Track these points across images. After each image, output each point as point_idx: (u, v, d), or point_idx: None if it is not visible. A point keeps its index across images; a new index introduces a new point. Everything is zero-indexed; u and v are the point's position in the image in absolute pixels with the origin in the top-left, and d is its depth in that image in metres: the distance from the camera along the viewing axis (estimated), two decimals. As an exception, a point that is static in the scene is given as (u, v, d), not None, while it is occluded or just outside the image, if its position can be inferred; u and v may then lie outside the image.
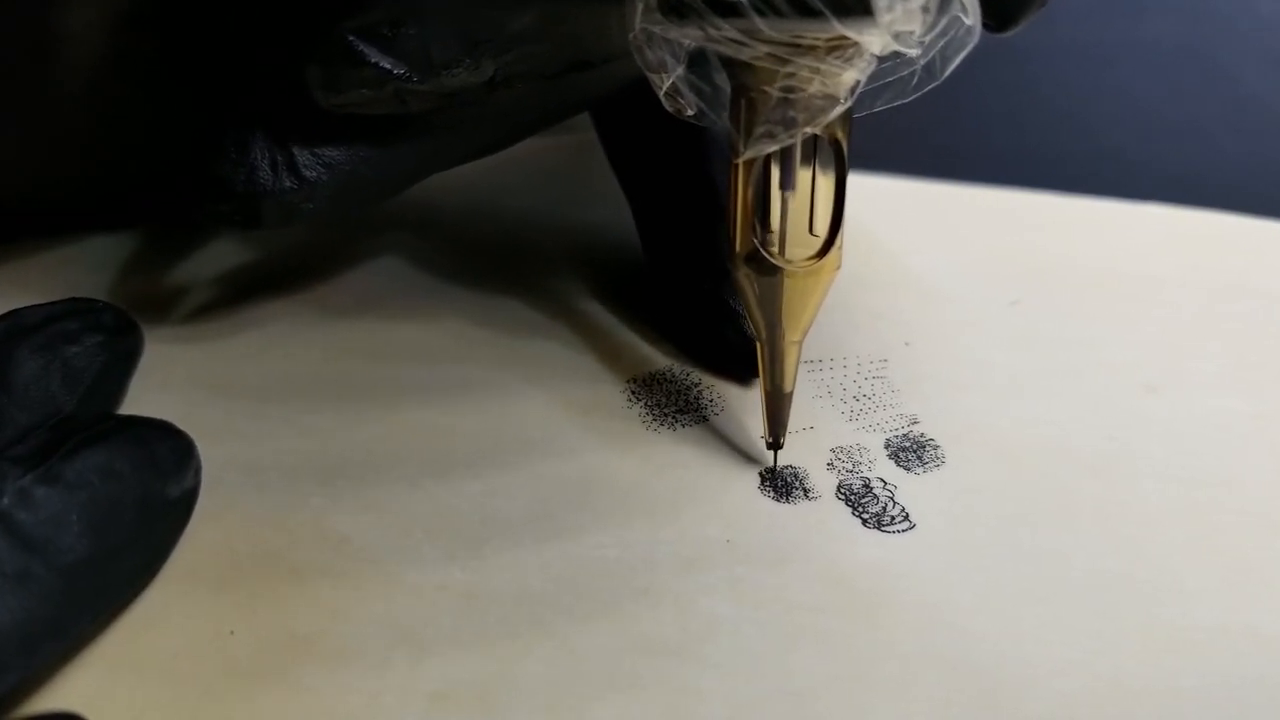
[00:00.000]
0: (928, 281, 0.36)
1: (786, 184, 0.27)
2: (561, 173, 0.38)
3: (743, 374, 0.32)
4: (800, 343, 0.28)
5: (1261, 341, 0.34)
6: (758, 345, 0.28)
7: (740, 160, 0.26)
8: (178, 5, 0.33)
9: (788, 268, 0.27)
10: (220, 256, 0.36)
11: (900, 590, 0.26)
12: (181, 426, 0.25)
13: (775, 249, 0.27)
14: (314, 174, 0.28)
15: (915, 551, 0.27)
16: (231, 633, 0.24)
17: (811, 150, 0.27)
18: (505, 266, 0.36)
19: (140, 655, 0.24)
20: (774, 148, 0.26)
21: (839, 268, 0.27)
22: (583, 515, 0.28)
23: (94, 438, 0.23)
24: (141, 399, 0.28)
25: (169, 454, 0.25)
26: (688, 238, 0.33)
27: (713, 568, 0.26)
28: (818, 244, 0.27)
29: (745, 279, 0.27)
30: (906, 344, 0.32)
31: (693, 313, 0.32)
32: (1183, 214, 0.41)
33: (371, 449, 0.29)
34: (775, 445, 0.29)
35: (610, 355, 0.33)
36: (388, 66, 0.26)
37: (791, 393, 0.29)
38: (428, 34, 0.26)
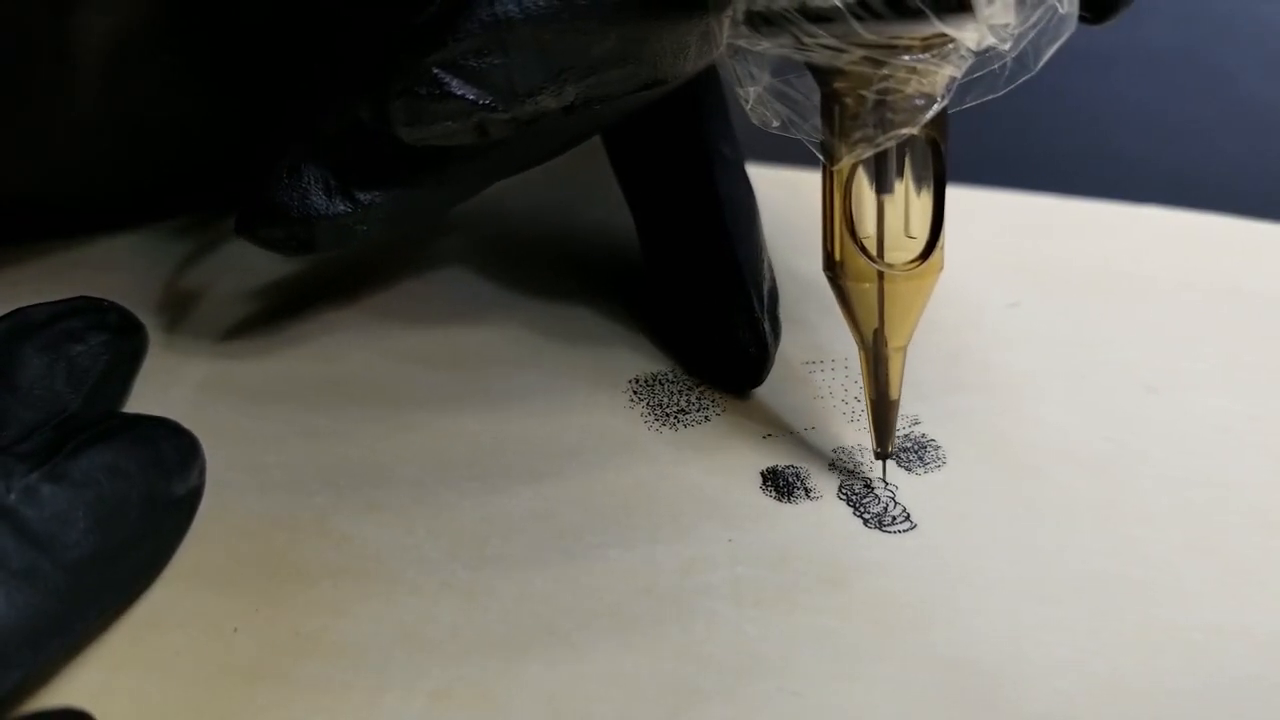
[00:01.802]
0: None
1: (884, 187, 0.26)
2: (563, 173, 0.38)
3: (743, 388, 0.32)
4: (904, 349, 0.28)
5: (1260, 343, 0.34)
6: (860, 353, 0.28)
7: (836, 167, 0.26)
8: (197, 15, 0.33)
9: (889, 272, 0.27)
10: (221, 258, 0.36)
11: (900, 590, 0.26)
12: (185, 425, 0.25)
13: (875, 254, 0.26)
14: (368, 197, 0.28)
15: (916, 551, 0.27)
16: (235, 630, 0.25)
17: (903, 151, 0.26)
18: (506, 267, 0.36)
19: (144, 652, 0.24)
20: (872, 151, 0.25)
21: (941, 270, 0.27)
22: (584, 514, 0.28)
23: (99, 436, 0.23)
24: (145, 398, 0.28)
25: (174, 452, 0.25)
26: (691, 252, 0.33)
27: (714, 567, 0.27)
28: (916, 246, 0.27)
29: (845, 286, 0.27)
30: (907, 344, 0.32)
31: (693, 326, 0.32)
32: (1182, 216, 0.41)
33: (373, 449, 0.30)
34: (883, 455, 0.29)
35: (612, 355, 0.33)
36: (473, 97, 0.25)
37: (898, 401, 0.28)
38: (512, 63, 0.25)
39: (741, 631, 0.25)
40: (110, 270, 0.36)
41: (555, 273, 0.36)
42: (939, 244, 0.27)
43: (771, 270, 0.33)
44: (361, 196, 0.28)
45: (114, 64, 0.33)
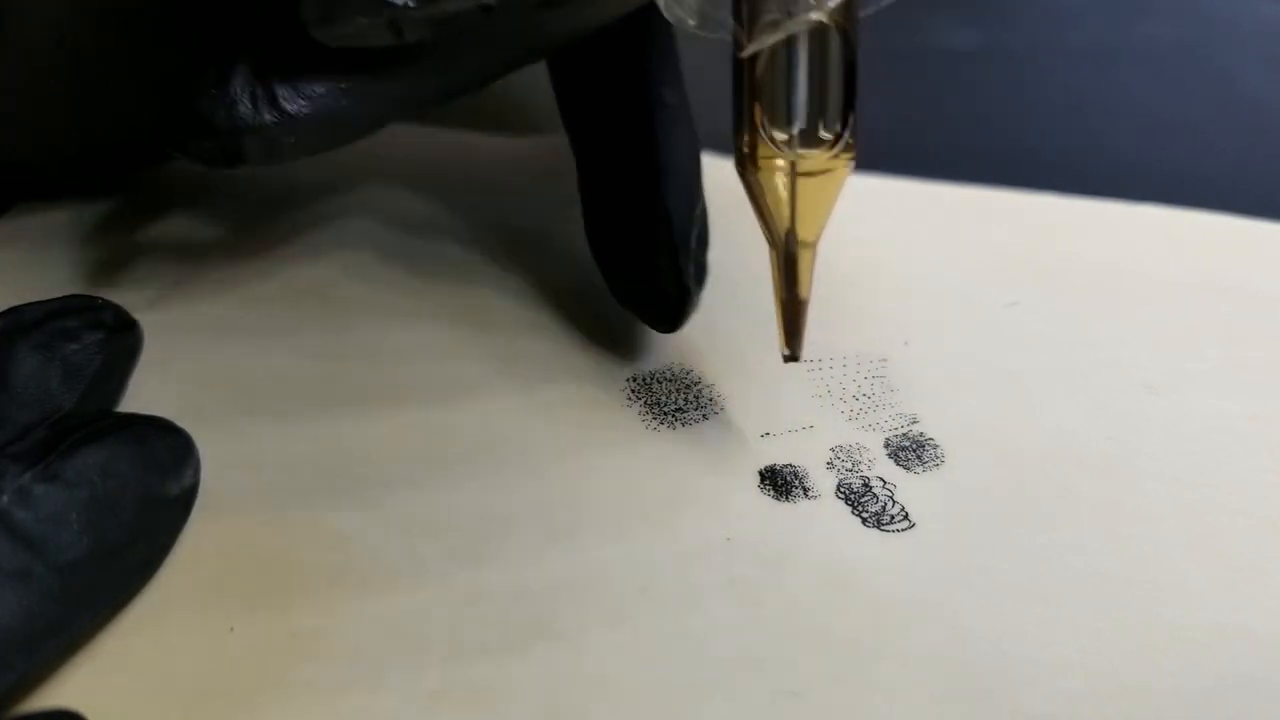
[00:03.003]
0: (928, 281, 0.36)
1: (793, 77, 0.26)
2: (561, 172, 0.38)
3: (662, 327, 0.32)
4: (814, 246, 0.27)
5: (1260, 343, 0.34)
6: (771, 252, 0.27)
7: (745, 55, 0.25)
8: None
9: (801, 165, 0.26)
10: (216, 254, 0.36)
11: (900, 590, 0.26)
12: (181, 424, 0.25)
13: (786, 147, 0.26)
14: (294, 107, 0.28)
15: (915, 551, 0.27)
16: (231, 630, 0.24)
17: (812, 41, 0.26)
18: (504, 265, 0.36)
19: (139, 653, 0.24)
20: (780, 36, 0.25)
21: (853, 160, 0.27)
22: (582, 514, 0.28)
23: (93, 435, 0.23)
24: (141, 397, 0.28)
25: (168, 452, 0.25)
26: (622, 190, 0.33)
27: (712, 567, 0.26)
28: (829, 140, 0.26)
29: (755, 180, 0.27)
30: (906, 344, 0.32)
31: (622, 263, 0.32)
32: (1182, 215, 0.41)
33: (371, 448, 0.29)
34: (792, 358, 0.28)
35: (609, 354, 0.33)
36: None
37: (807, 301, 0.28)
38: None
39: (740, 631, 0.25)
40: (105, 268, 0.35)
41: (552, 270, 0.36)
42: (849, 135, 0.26)
43: (705, 215, 0.32)
44: (288, 107, 0.28)
45: (60, 27, 0.32)
